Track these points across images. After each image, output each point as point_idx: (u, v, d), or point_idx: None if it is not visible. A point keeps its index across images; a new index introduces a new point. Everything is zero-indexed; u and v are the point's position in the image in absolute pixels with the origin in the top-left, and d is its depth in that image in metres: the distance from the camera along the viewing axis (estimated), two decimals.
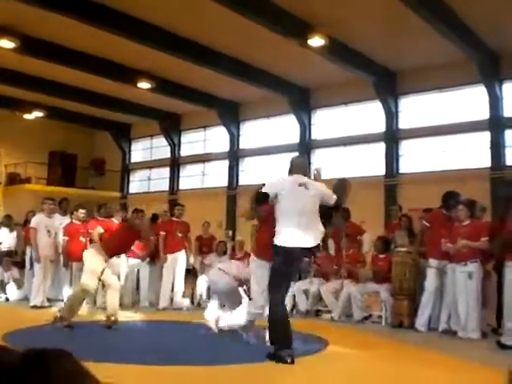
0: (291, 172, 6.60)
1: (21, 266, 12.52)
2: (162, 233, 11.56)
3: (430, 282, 8.99)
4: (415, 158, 18.35)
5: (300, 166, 6.72)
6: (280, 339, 6.14)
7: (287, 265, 6.33)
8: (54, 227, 11.36)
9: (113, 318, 8.47)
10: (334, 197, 6.47)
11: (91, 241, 11.21)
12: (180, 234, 11.64)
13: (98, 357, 5.49)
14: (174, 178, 25.08)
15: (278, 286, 6.31)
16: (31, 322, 8.57)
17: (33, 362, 1.18)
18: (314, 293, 10.57)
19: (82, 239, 11.24)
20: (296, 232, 6.21)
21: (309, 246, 6.27)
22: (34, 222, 11.35)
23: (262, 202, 6.47)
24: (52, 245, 11.32)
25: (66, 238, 11.25)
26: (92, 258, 8.57)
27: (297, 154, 19.85)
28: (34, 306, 10.95)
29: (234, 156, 22.74)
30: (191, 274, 12.40)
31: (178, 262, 11.41)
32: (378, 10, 13.86)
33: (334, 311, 10.20)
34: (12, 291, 12.19)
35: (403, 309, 9.42)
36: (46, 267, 11.24)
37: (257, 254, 6.84)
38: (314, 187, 6.45)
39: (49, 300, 11.45)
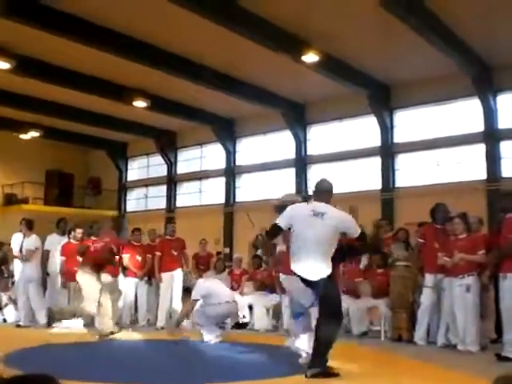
0: (315, 196, 6.40)
1: None
2: (158, 253, 11.53)
3: (426, 296, 9.00)
4: (411, 171, 18.37)
5: (324, 192, 6.42)
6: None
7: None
8: (26, 246, 11.31)
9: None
10: (359, 230, 6.23)
11: None
12: (175, 252, 11.60)
13: (92, 377, 5.48)
14: (171, 195, 25.06)
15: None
16: (28, 342, 8.53)
17: None
18: None
19: (80, 259, 11.22)
20: (304, 263, 6.09)
21: (312, 279, 6.07)
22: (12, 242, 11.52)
23: (276, 235, 6.41)
24: (30, 265, 11.28)
25: (64, 258, 11.24)
26: (87, 283, 8.58)
27: (293, 169, 19.93)
28: (18, 326, 11.11)
29: (231, 173, 22.74)
30: (189, 292, 12.33)
31: (174, 280, 11.36)
32: (371, 24, 13.92)
33: (354, 327, 10.18)
34: (10, 312, 12.13)
35: (402, 323, 9.40)
36: (26, 287, 11.24)
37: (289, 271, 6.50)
38: (334, 217, 6.16)
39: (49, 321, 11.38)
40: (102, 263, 9.55)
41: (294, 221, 6.16)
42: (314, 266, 6.05)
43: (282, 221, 6.18)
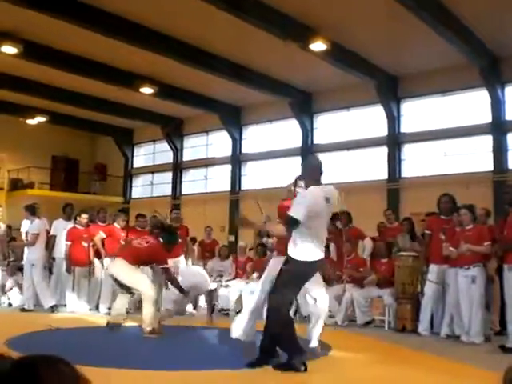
0: (315, 178, 6.04)
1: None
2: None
3: (429, 287, 9.00)
4: (417, 161, 18.32)
5: (316, 170, 6.11)
6: (290, 346, 5.88)
7: (307, 275, 6.06)
8: (31, 229, 11.41)
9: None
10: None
11: (94, 246, 11.30)
12: (179, 239, 11.61)
13: (98, 362, 5.50)
14: (177, 182, 25.06)
15: (291, 289, 6.04)
16: (33, 327, 8.56)
17: (23, 369, 1.18)
18: None
19: (85, 244, 11.28)
20: (319, 248, 5.96)
21: (321, 257, 6.03)
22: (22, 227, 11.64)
23: (295, 228, 5.80)
24: (36, 248, 11.36)
25: (69, 243, 11.29)
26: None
27: (299, 158, 19.90)
28: (23, 309, 11.24)
29: (237, 160, 22.72)
30: None
31: (178, 266, 11.38)
32: (379, 14, 13.86)
33: (337, 316, 10.19)
34: (15, 296, 12.19)
35: (406, 313, 9.42)
36: (31, 271, 11.33)
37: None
38: (334, 199, 6.04)
39: (54, 306, 11.44)
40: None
41: (314, 209, 5.78)
42: (322, 245, 6.04)
43: (301, 214, 5.69)
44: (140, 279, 8.38)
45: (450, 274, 8.57)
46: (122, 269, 8.32)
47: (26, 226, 11.63)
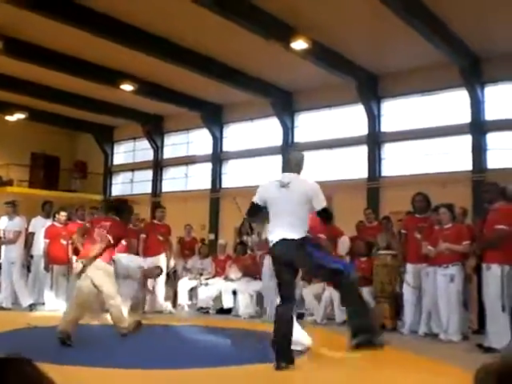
0: (286, 168, 6.53)
1: None
2: (143, 235, 11.52)
3: (407, 289, 9.08)
4: (397, 161, 18.40)
5: (290, 163, 6.44)
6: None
7: (274, 263, 6.33)
8: (11, 228, 11.33)
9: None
10: (324, 203, 6.14)
11: (72, 244, 11.21)
12: (161, 238, 11.58)
13: (75, 361, 5.47)
14: (157, 180, 24.99)
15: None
16: (11, 325, 8.50)
17: None
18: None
19: (63, 242, 11.21)
20: (280, 230, 6.09)
21: (294, 237, 6.02)
22: None
23: (255, 213, 6.54)
24: (14, 247, 11.28)
25: (47, 241, 11.21)
26: None
27: (280, 156, 19.91)
28: (1, 308, 11.12)
29: (217, 158, 22.70)
30: (172, 277, 12.36)
31: (158, 264, 11.34)
32: (361, 13, 13.89)
33: (316, 314, 10.22)
34: None
35: (385, 312, 9.46)
36: (8, 269, 11.24)
37: None
38: (299, 188, 6.18)
39: (32, 305, 11.35)
40: None
41: (265, 195, 6.34)
42: (293, 230, 6.06)
43: (257, 198, 6.40)
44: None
45: (429, 272, 8.62)
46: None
47: (4, 223, 11.51)
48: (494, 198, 7.83)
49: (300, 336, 6.61)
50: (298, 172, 6.38)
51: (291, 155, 6.65)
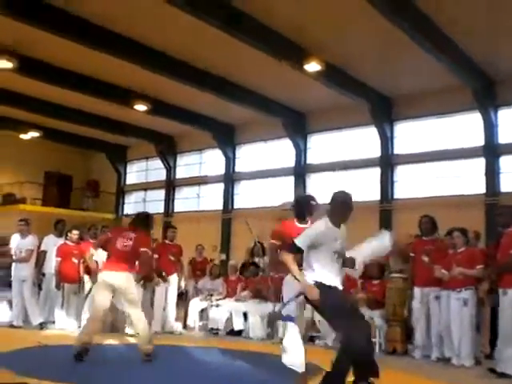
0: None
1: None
2: (155, 256, 11.48)
3: (415, 309, 8.99)
4: (410, 183, 18.36)
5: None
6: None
7: None
8: (24, 246, 11.30)
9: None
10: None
11: (84, 262, 11.20)
12: (172, 258, 11.55)
13: (86, 380, 5.44)
14: (170, 200, 25.06)
15: None
16: (21, 343, 8.48)
17: None
18: (307, 319, 10.48)
19: (75, 260, 11.19)
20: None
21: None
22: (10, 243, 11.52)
23: None
24: (24, 265, 11.27)
25: (59, 259, 11.20)
26: None
27: (292, 177, 19.91)
28: (11, 326, 10.98)
29: (230, 179, 22.73)
30: (183, 297, 12.31)
31: (170, 285, 11.30)
32: (375, 36, 13.93)
33: (328, 337, 10.12)
34: (3, 312, 12.06)
35: (397, 335, 9.37)
36: (20, 287, 11.21)
37: None
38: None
39: (43, 323, 11.38)
40: None
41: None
42: None
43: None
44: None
45: (442, 296, 8.53)
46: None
47: (16, 241, 11.50)
48: (508, 221, 7.76)
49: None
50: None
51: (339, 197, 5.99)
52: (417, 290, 8.94)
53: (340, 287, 5.61)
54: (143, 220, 8.24)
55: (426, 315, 8.87)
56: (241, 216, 20.42)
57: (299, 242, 5.50)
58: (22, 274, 11.22)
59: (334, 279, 5.56)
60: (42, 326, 10.97)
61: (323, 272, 5.54)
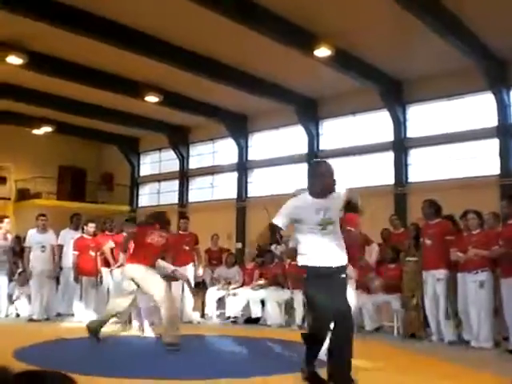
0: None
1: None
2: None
3: (425, 292, 9.00)
4: (424, 166, 18.30)
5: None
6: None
7: None
8: (47, 241, 11.43)
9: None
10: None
11: (102, 255, 11.28)
12: (187, 247, 11.58)
13: (107, 372, 5.48)
14: (183, 190, 25.10)
15: None
16: (41, 337, 8.55)
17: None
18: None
19: (92, 253, 11.26)
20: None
21: None
22: (27, 238, 11.61)
23: None
24: (47, 259, 11.39)
25: (76, 253, 11.27)
26: None
27: (305, 164, 19.88)
28: (31, 320, 11.11)
29: (243, 168, 22.75)
30: (200, 286, 12.35)
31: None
32: (384, 19, 13.86)
33: None
34: (23, 307, 12.17)
35: (414, 319, 9.36)
36: (41, 282, 11.32)
37: None
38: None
39: (60, 315, 11.52)
40: None
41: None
42: None
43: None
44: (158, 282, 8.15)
45: (459, 278, 8.52)
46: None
47: (36, 236, 11.57)
48: None
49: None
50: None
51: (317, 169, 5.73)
52: (425, 274, 8.95)
53: (330, 263, 5.29)
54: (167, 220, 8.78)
55: (435, 298, 8.87)
56: (255, 204, 20.43)
57: (276, 220, 5.27)
58: (42, 268, 11.32)
59: (322, 257, 5.28)
60: (59, 316, 11.13)
61: (310, 252, 5.28)
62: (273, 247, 12.42)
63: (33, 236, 11.53)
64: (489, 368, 6.56)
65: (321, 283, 5.25)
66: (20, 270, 12.43)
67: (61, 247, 11.80)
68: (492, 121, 16.61)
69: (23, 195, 24.89)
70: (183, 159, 25.18)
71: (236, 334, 9.35)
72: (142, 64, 16.41)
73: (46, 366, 5.79)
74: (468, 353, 7.84)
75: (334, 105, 19.81)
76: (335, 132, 20.47)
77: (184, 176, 25.19)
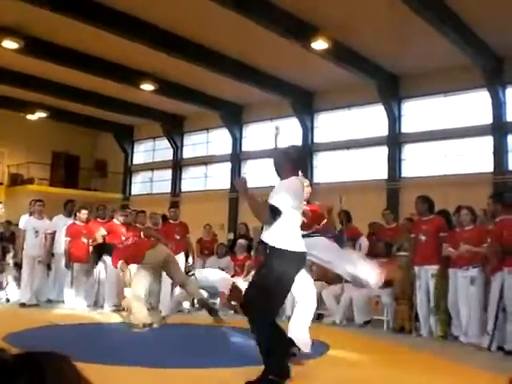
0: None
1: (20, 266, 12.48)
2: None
3: (416, 288, 9.06)
4: (418, 161, 18.32)
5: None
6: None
7: None
8: (43, 228, 11.44)
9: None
10: (271, 200, 5.50)
11: (93, 242, 11.27)
12: (178, 236, 11.59)
13: (96, 359, 5.49)
14: (177, 180, 25.07)
15: None
16: (32, 323, 8.55)
17: (26, 364, 1.15)
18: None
19: (84, 240, 11.27)
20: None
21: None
22: (21, 223, 11.62)
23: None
24: (40, 245, 11.40)
25: (68, 239, 11.27)
26: None
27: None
28: (22, 304, 11.10)
29: (237, 158, 22.73)
30: (190, 275, 12.33)
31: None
32: (381, 13, 13.84)
33: (336, 315, 10.18)
34: (13, 292, 12.15)
35: (404, 313, 9.40)
36: (33, 267, 11.32)
37: None
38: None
39: (50, 301, 11.54)
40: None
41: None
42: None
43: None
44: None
45: (450, 274, 8.55)
46: None
47: (30, 221, 11.58)
48: None
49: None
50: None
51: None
52: (417, 269, 9.00)
53: (301, 247, 5.25)
54: None
55: (426, 293, 8.92)
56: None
57: (277, 203, 5.22)
58: (33, 253, 11.32)
59: (299, 240, 5.27)
60: (49, 302, 11.14)
61: (290, 234, 5.24)
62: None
63: (28, 221, 11.53)
64: (476, 363, 6.60)
65: (296, 267, 5.27)
66: (11, 253, 12.42)
67: (53, 233, 11.80)
68: (487, 118, 16.63)
69: (16, 180, 24.84)
70: (177, 148, 25.14)
71: (228, 324, 9.36)
72: (139, 52, 16.36)
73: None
74: (456, 348, 7.89)
75: (330, 98, 19.79)
76: (330, 125, 20.46)
77: (177, 165, 25.16)
